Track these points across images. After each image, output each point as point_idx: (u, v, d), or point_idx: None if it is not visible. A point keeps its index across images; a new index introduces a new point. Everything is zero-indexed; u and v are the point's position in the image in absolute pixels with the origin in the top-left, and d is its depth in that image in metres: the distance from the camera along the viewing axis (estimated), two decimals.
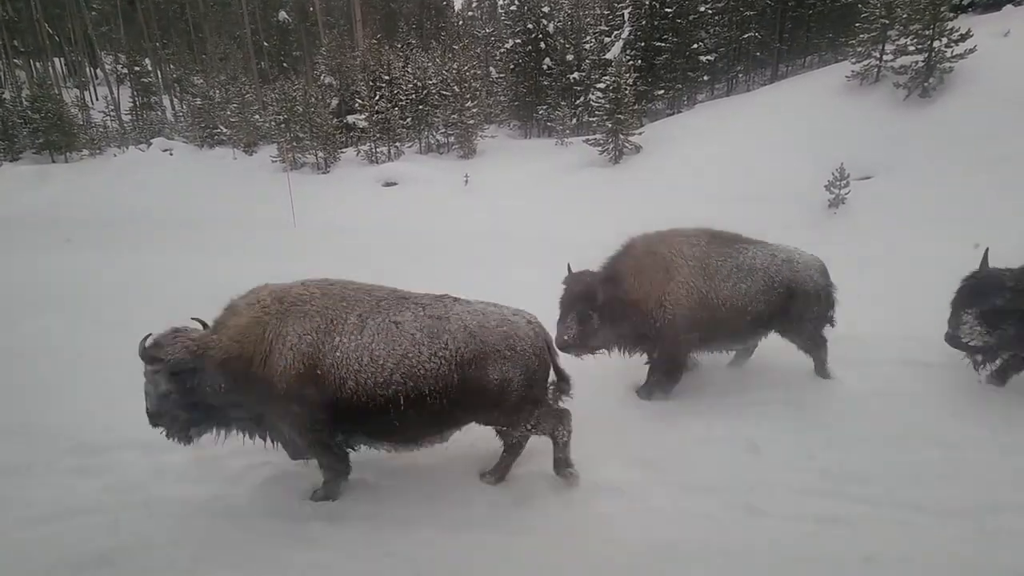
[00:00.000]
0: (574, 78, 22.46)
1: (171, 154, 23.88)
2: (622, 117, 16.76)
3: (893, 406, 4.48)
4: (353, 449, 3.61)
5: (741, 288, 4.54)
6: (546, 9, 23.74)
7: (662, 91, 21.30)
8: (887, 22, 14.28)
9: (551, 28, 23.82)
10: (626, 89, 16.91)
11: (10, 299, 7.48)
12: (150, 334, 3.26)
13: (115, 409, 4.06)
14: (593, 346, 4.62)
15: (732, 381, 5.15)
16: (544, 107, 23.39)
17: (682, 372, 4.76)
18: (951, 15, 13.38)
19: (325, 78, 25.50)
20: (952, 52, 12.97)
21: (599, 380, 5.00)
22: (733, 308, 4.54)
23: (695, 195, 13.49)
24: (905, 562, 2.98)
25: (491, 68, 26.94)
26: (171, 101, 38.25)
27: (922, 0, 13.11)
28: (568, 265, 4.69)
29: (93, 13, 39.25)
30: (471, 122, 20.66)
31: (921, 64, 13.36)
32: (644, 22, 20.65)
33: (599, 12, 23.45)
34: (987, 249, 4.43)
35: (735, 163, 14.22)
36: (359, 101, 21.65)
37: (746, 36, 20.96)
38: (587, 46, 22.36)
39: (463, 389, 3.27)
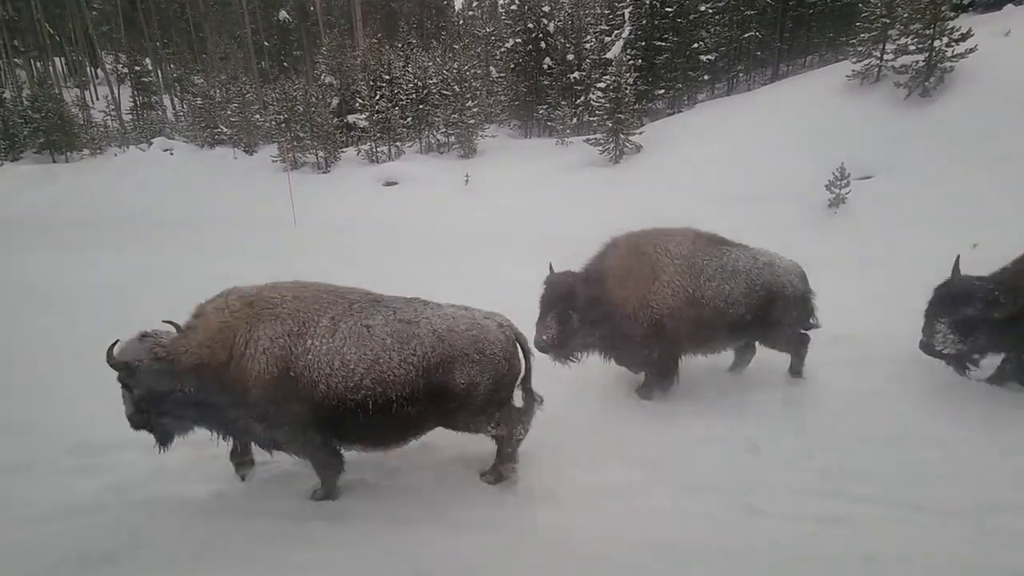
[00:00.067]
0: (574, 77, 22.45)
1: (172, 154, 23.89)
2: (622, 116, 16.75)
3: (893, 406, 4.48)
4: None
5: (724, 289, 4.51)
6: (547, 8, 23.73)
7: (662, 90, 21.29)
8: (888, 21, 14.27)
9: (551, 27, 23.81)
10: (626, 88, 16.90)
11: (10, 299, 7.50)
12: (117, 340, 3.25)
13: (115, 409, 4.03)
14: (573, 347, 4.56)
15: (732, 381, 5.15)
16: (544, 107, 23.38)
17: (676, 371, 4.73)
18: (952, 15, 13.36)
19: (326, 78, 25.50)
20: (953, 52, 12.96)
21: (599, 380, 5.01)
22: (716, 309, 4.50)
23: (695, 195, 13.49)
24: (905, 562, 2.97)
25: (491, 68, 26.93)
26: (172, 101, 38.28)
27: None
28: (550, 265, 4.65)
29: (93, 13, 39.25)
30: (471, 122, 20.65)
31: (922, 64, 13.34)
32: (645, 21, 20.64)
33: (599, 11, 23.44)
34: (958, 256, 4.47)
35: (736, 163, 14.21)
36: (359, 101, 21.66)
37: (747, 35, 20.95)
38: (587, 45, 22.35)
39: (430, 393, 3.25)
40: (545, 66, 23.63)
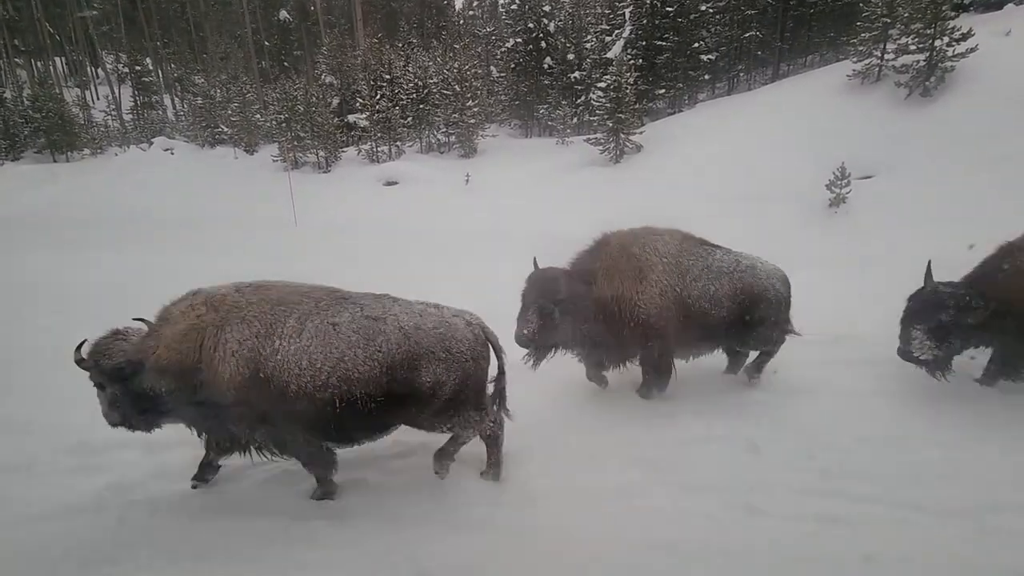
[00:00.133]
0: (575, 77, 22.46)
1: (172, 153, 23.92)
2: (623, 116, 16.76)
3: (893, 406, 4.48)
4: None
5: (710, 290, 4.50)
6: (547, 8, 23.74)
7: (663, 90, 21.30)
8: (888, 21, 14.27)
9: (552, 27, 23.81)
10: (627, 88, 16.91)
11: (10, 299, 7.50)
12: (85, 340, 3.26)
13: None
14: (554, 344, 4.53)
15: (732, 381, 5.15)
16: (545, 106, 23.39)
17: (671, 369, 4.70)
18: (952, 14, 13.37)
19: (326, 77, 25.52)
20: (953, 51, 12.96)
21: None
22: (701, 310, 4.49)
23: (696, 194, 13.50)
24: (905, 562, 2.97)
25: (492, 67, 26.93)
26: (172, 100, 38.28)
27: None
28: (534, 259, 4.63)
29: (94, 12, 39.26)
30: (472, 121, 20.67)
31: (922, 63, 13.34)
32: (645, 21, 20.64)
33: (600, 11, 23.44)
34: (929, 262, 4.49)
35: (736, 162, 14.21)
36: (360, 100, 21.68)
37: (747, 35, 20.95)
38: (588, 45, 22.35)
39: (394, 391, 3.24)
40: (545, 66, 23.64)
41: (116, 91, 34.34)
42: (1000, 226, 4.69)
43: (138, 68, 35.26)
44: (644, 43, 20.71)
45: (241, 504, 3.55)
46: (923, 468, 3.71)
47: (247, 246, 11.87)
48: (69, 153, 27.20)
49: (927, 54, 13.23)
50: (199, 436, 3.56)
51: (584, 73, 22.02)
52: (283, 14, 39.94)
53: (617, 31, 20.68)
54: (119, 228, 14.83)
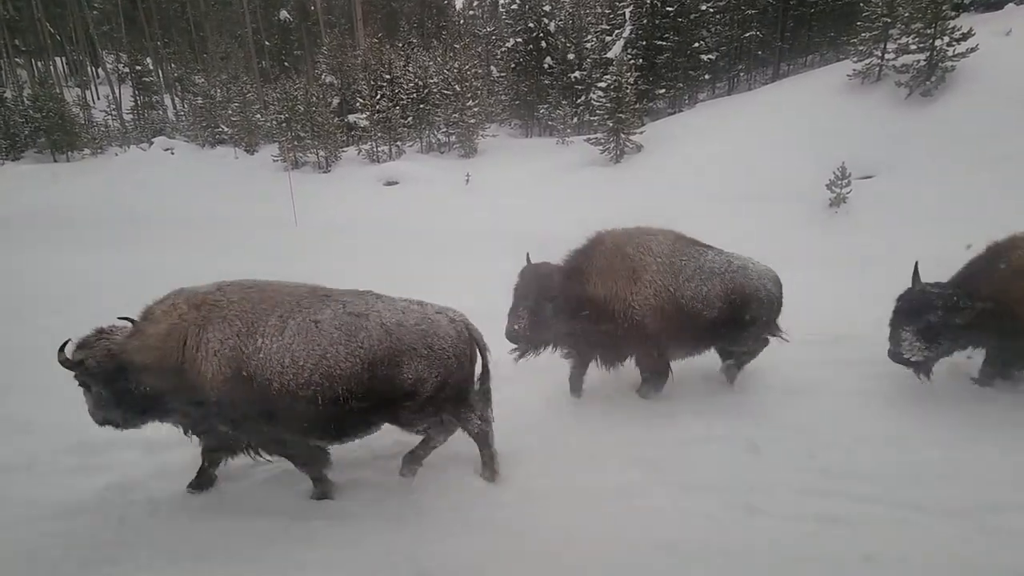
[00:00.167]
0: (575, 77, 22.46)
1: (172, 153, 23.94)
2: (623, 116, 16.76)
3: (893, 406, 4.48)
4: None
5: (703, 290, 4.48)
6: (547, 8, 23.74)
7: (663, 90, 21.30)
8: (889, 21, 14.27)
9: (552, 27, 23.82)
10: (627, 88, 16.91)
11: (10, 299, 7.50)
12: (68, 340, 3.25)
13: None
14: (543, 340, 4.51)
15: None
16: (545, 106, 23.39)
17: (667, 370, 4.69)
18: (953, 14, 13.37)
19: (326, 77, 25.54)
20: (954, 51, 12.96)
21: (598, 380, 5.00)
22: (694, 311, 4.47)
23: (696, 194, 13.50)
24: (905, 562, 2.97)
25: (492, 67, 26.94)
26: (172, 100, 38.31)
27: None
28: (527, 255, 4.62)
29: (94, 12, 39.28)
30: (472, 121, 20.67)
31: (923, 63, 13.34)
32: (645, 21, 20.64)
33: (600, 11, 23.45)
34: (916, 263, 4.50)
35: (736, 162, 14.21)
36: (360, 100, 21.68)
37: (747, 35, 20.95)
38: (588, 45, 22.36)
39: (376, 388, 3.23)
40: (546, 66, 23.64)
41: (116, 91, 34.36)
42: (1000, 226, 4.68)
43: (138, 68, 35.31)
44: (644, 43, 20.71)
45: (241, 504, 3.55)
46: (923, 468, 3.70)
47: (247, 246, 11.88)
48: (69, 153, 27.22)
49: (927, 54, 13.23)
50: (186, 434, 3.56)
51: (584, 73, 22.02)
52: (283, 14, 39.97)
53: (617, 31, 20.69)
54: (119, 228, 14.85)
